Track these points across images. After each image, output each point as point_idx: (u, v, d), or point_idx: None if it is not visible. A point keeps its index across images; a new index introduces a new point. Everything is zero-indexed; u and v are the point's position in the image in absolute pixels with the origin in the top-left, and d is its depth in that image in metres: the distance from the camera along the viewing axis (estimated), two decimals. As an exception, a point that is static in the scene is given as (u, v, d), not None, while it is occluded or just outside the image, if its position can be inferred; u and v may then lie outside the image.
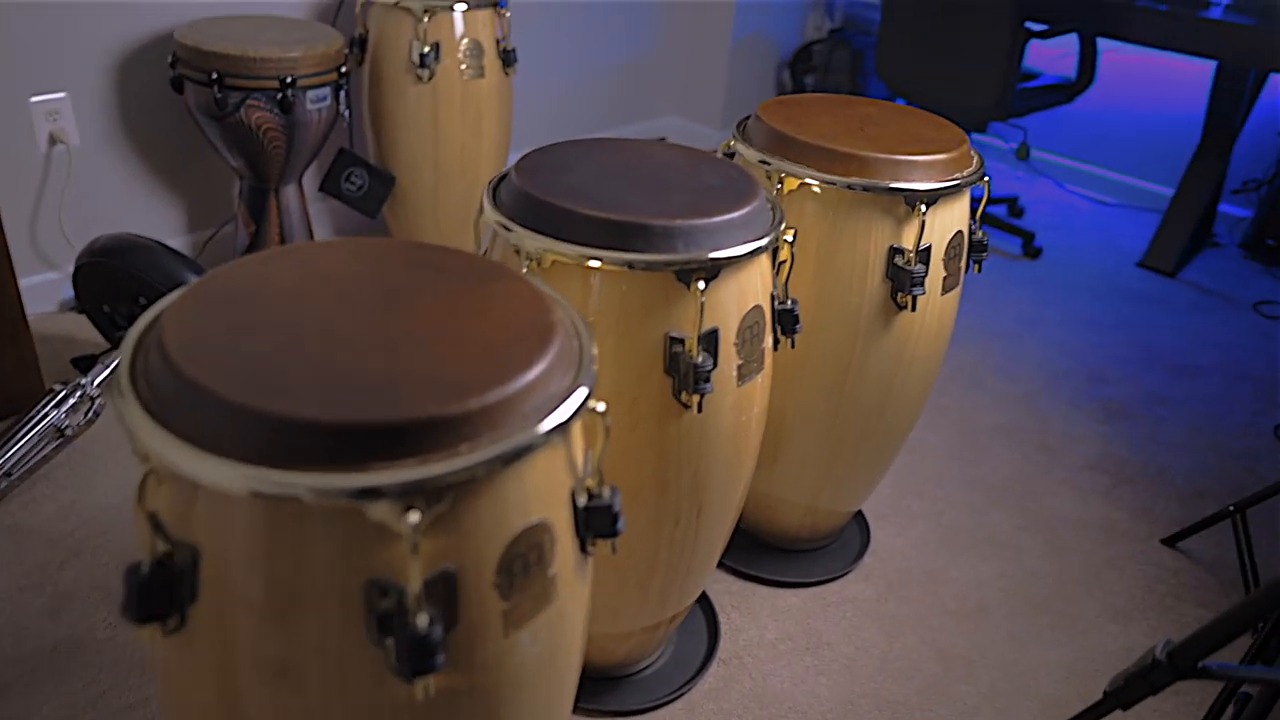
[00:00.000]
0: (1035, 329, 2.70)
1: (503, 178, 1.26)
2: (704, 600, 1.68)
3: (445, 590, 0.78)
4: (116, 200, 2.39)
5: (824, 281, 1.48)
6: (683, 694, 1.51)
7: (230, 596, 0.77)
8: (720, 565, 1.75)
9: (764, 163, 1.46)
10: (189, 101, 2.20)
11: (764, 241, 1.17)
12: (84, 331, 2.28)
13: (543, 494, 0.84)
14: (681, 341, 1.15)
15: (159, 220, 2.48)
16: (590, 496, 0.90)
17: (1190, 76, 3.37)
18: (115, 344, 2.12)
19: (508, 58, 2.51)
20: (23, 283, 2.28)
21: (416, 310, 0.88)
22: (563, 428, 0.81)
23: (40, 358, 2.15)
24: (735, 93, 3.70)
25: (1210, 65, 3.07)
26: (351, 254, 0.97)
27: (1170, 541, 1.91)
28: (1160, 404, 2.39)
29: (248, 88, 2.13)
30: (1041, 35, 2.90)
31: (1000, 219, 3.25)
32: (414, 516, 0.73)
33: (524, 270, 1.14)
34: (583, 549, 0.92)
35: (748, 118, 1.59)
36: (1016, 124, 3.85)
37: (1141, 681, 1.00)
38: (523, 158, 1.27)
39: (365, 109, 2.52)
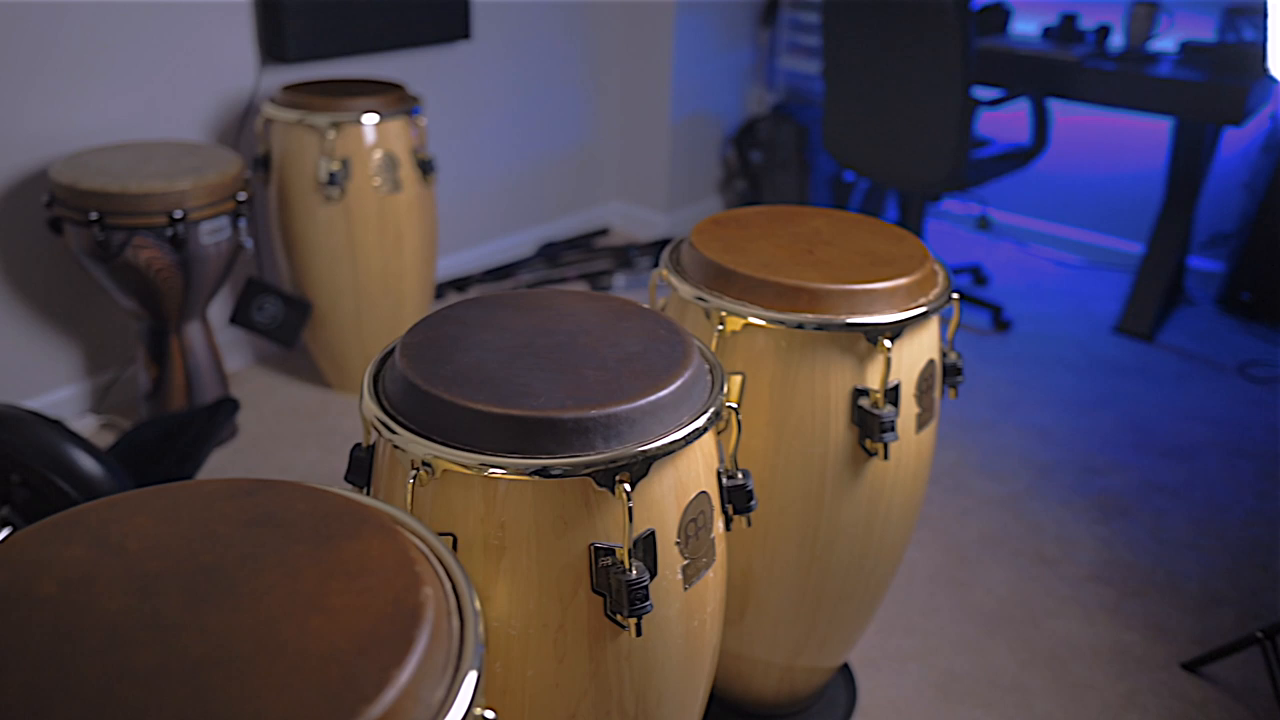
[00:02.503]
0: (1014, 414, 2.51)
1: (389, 354, 1.06)
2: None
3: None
4: (2, 347, 2.15)
5: (782, 429, 1.28)
6: None
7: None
8: (690, 746, 1.52)
9: (701, 299, 1.27)
10: (70, 243, 1.99)
11: (701, 422, 0.97)
12: (-35, 505, 2.03)
13: None
14: (611, 553, 0.94)
15: (50, 370, 2.25)
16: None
17: (1146, 133, 3.26)
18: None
19: (426, 167, 2.33)
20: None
21: (239, 604, 0.66)
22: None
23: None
24: (680, 173, 3.54)
25: (1160, 130, 2.96)
26: (167, 512, 0.76)
27: (1191, 666, 1.71)
28: (1158, 493, 2.21)
29: (133, 225, 1.92)
30: (992, 104, 2.77)
31: (965, 291, 3.09)
32: None
33: (412, 479, 0.93)
34: None
35: (681, 242, 1.40)
36: (974, 193, 3.72)
37: None
38: (410, 331, 1.07)
39: (276, 232, 2.32)
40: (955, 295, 1.35)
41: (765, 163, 3.56)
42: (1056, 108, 3.27)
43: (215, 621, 0.65)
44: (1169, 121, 2.97)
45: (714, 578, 1.07)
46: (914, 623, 1.80)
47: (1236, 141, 3.15)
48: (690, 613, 1.03)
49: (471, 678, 0.65)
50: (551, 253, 3.28)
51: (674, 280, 1.32)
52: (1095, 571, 1.95)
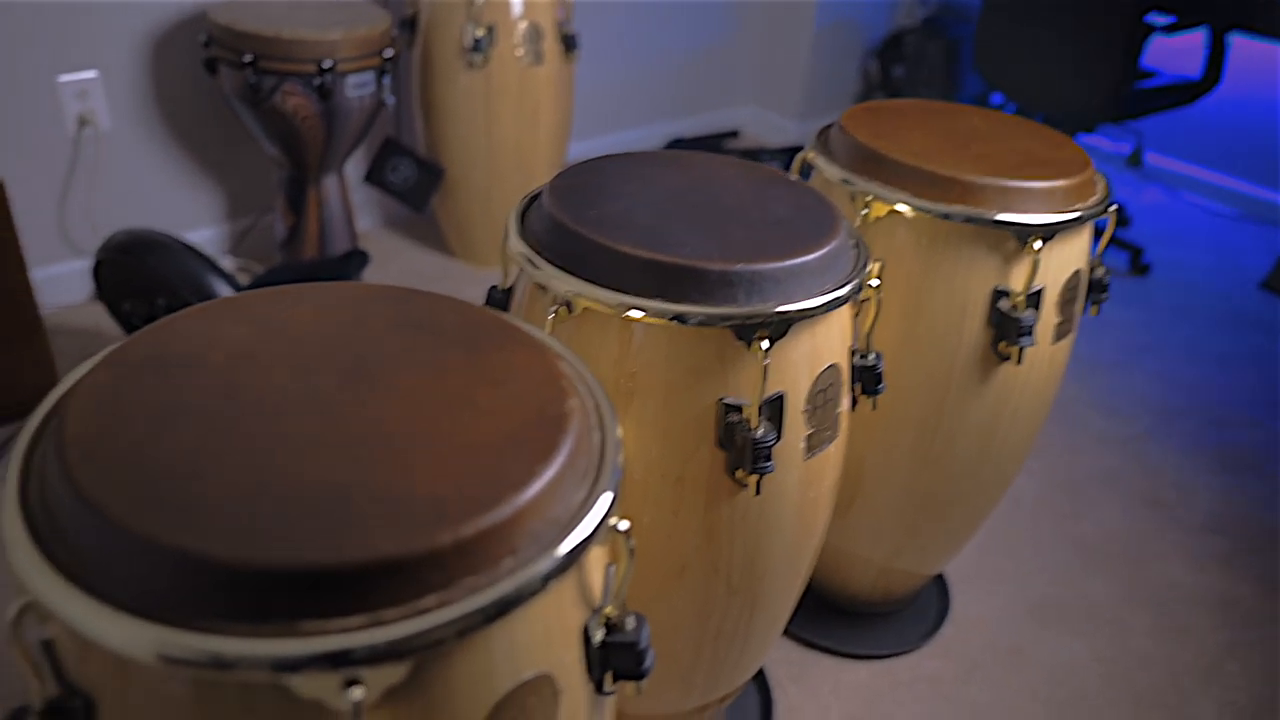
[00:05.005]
0: (1144, 359, 2.42)
1: (535, 197, 1.06)
2: (760, 672, 1.47)
3: (403, 775, 0.59)
4: (148, 188, 2.25)
5: (914, 325, 1.25)
6: (726, 793, 1.31)
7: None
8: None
9: (847, 182, 1.24)
10: (223, 85, 2.05)
11: (844, 291, 0.95)
12: (110, 326, 2.15)
13: (543, 642, 0.64)
14: (739, 410, 0.94)
15: (193, 210, 2.34)
16: (609, 630, 0.71)
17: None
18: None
19: (569, 43, 2.32)
20: (48, 272, 2.16)
21: (391, 391, 0.69)
22: (572, 558, 0.62)
23: (63, 353, 2.03)
24: (816, 83, 3.44)
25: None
26: (326, 306, 0.79)
27: (1303, 626, 1.65)
28: (1287, 451, 2.12)
29: (284, 71, 1.96)
30: (1167, 29, 2.59)
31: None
32: (357, 693, 0.54)
33: (551, 314, 0.95)
34: (599, 690, 0.73)
35: (829, 126, 1.36)
36: (1129, 127, 3.52)
37: None
38: (559, 175, 1.07)
39: (416, 95, 2.34)
40: (1114, 206, 1.29)
41: (908, 79, 3.43)
42: (1236, 42, 3.05)
43: (371, 404, 0.67)
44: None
45: (834, 454, 1.07)
46: (1015, 547, 1.78)
47: None
48: (808, 483, 1.03)
49: (608, 495, 0.66)
50: (679, 149, 3.24)
51: (820, 161, 1.29)
52: (1210, 522, 1.89)
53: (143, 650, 0.53)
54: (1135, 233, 3.07)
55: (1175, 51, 3.21)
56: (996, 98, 3.38)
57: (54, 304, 2.18)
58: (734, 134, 3.47)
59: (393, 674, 0.56)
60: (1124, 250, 2.86)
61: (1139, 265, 2.83)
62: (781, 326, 0.92)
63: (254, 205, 2.44)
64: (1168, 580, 1.74)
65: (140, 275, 1.80)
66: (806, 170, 1.34)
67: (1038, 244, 1.18)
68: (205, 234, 2.37)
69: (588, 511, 0.64)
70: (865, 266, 1.01)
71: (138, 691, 0.58)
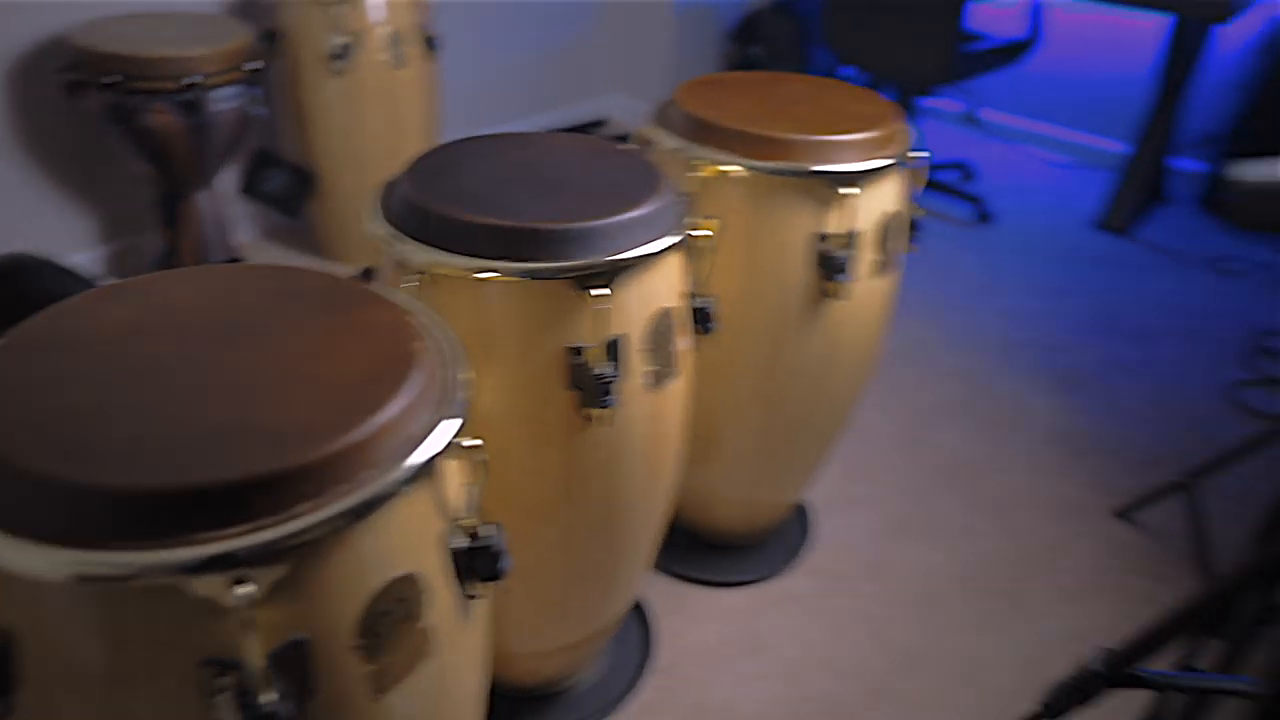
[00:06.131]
0: (987, 298, 2.64)
1: (394, 182, 1.18)
2: (639, 606, 1.61)
3: (297, 661, 0.70)
4: (21, 213, 2.27)
5: (751, 272, 1.40)
6: (616, 709, 1.44)
7: (57, 683, 0.69)
8: (656, 568, 1.69)
9: (679, 149, 1.38)
10: (90, 107, 2.09)
11: (665, 241, 1.09)
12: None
13: (407, 545, 0.76)
14: (582, 352, 1.07)
15: (70, 233, 2.36)
16: (471, 538, 0.83)
17: (1137, 32, 3.31)
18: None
19: (431, 44, 2.41)
20: (-74, 304, 2.16)
21: (263, 347, 0.80)
22: (425, 470, 0.74)
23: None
24: (680, 67, 3.59)
25: (1156, 21, 3.00)
26: (202, 283, 0.89)
27: (1122, 514, 1.86)
28: (1118, 371, 2.34)
29: (149, 90, 2.01)
30: (983, -5, 2.82)
31: (950, 185, 3.19)
32: (242, 589, 0.65)
33: (412, 283, 1.06)
34: (466, 596, 0.85)
35: (667, 102, 1.50)
36: (965, 88, 3.77)
37: (1077, 692, 0.94)
38: (415, 160, 1.18)
39: (287, 104, 2.41)
40: (923, 153, 1.46)
41: (765, 57, 3.62)
42: (1053, 3, 3.31)
43: (245, 358, 0.78)
44: (1162, 19, 3.01)
45: (677, 389, 1.21)
46: (871, 474, 1.96)
47: (1232, 43, 3.19)
48: (654, 417, 1.17)
49: (456, 419, 0.78)
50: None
51: (657, 133, 1.43)
52: (1045, 435, 2.10)
53: (61, 572, 0.63)
54: (979, 186, 3.31)
55: (1002, 19, 3.45)
56: (847, 70, 3.58)
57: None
58: (602, 123, 3.61)
59: (275, 572, 0.67)
60: (969, 202, 3.09)
61: (983, 215, 3.06)
62: (613, 274, 1.05)
63: (131, 225, 2.47)
64: (1008, 489, 1.93)
65: (17, 299, 1.84)
66: (647, 143, 1.48)
67: (849, 190, 1.34)
68: (84, 257, 2.40)
69: (433, 432, 0.76)
70: (689, 219, 1.15)
71: (53, 615, 0.68)
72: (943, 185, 3.18)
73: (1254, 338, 2.49)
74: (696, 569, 1.69)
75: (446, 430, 0.77)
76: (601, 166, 1.19)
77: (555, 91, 3.50)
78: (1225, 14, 2.63)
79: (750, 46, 3.68)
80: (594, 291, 1.04)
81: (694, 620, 1.60)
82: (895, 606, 1.65)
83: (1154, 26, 3.16)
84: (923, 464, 1.99)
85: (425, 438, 0.75)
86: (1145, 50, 3.28)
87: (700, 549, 1.73)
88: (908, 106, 3.11)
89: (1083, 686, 0.92)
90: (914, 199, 1.51)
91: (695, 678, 1.50)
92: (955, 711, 1.48)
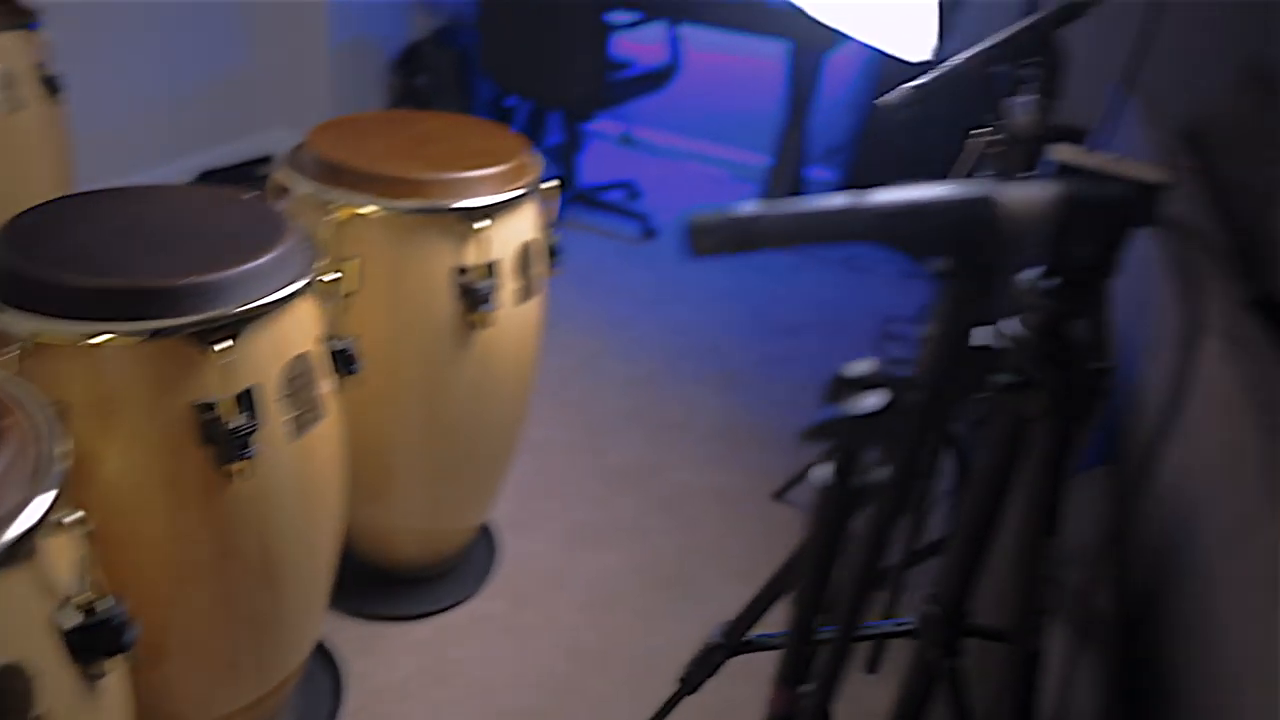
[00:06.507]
0: (655, 310, 2.82)
1: (-13, 248, 1.10)
2: (325, 653, 1.59)
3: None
4: None
5: (396, 309, 1.43)
6: (307, 762, 1.42)
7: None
8: (343, 610, 1.67)
9: (315, 194, 1.39)
10: None
11: (290, 289, 1.10)
12: None
13: (6, 631, 0.73)
14: (213, 407, 1.05)
15: None
16: (87, 614, 0.80)
17: (765, 68, 3.66)
18: None
19: (52, 85, 2.23)
20: None
21: None
22: (19, 550, 0.71)
23: None
24: (341, 100, 3.55)
25: (779, 56, 3.35)
26: None
27: (779, 496, 2.07)
28: (771, 365, 2.58)
29: None
30: (625, 26, 3.01)
31: (617, 204, 3.37)
32: None
33: (15, 355, 1.00)
34: (88, 675, 0.82)
35: (300, 145, 1.50)
36: (622, 112, 3.99)
37: (704, 665, 1.05)
38: (10, 221, 1.11)
39: (-126, 156, 2.15)
40: (553, 182, 1.55)
41: (429, 88, 3.65)
42: (701, 41, 3.59)
43: None
44: (784, 49, 3.35)
45: (326, 431, 1.21)
46: (552, 487, 2.04)
47: (846, 67, 3.60)
48: (303, 460, 1.17)
49: (49, 494, 0.76)
50: (212, 182, 3.21)
51: (290, 178, 1.43)
52: (711, 433, 2.28)
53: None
54: (644, 204, 3.52)
55: (650, 49, 3.69)
56: (511, 100, 3.69)
57: None
58: (267, 159, 3.49)
59: None
60: (635, 220, 3.28)
61: (649, 231, 3.26)
62: (236, 327, 1.05)
63: None
64: (679, 486, 2.09)
65: None
66: (284, 190, 1.46)
67: (483, 224, 1.41)
68: None
69: (24, 510, 0.73)
70: (318, 262, 1.16)
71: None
72: (610, 205, 3.35)
73: (881, 325, 2.84)
74: (385, 606, 1.69)
75: (37, 508, 0.74)
76: (221, 217, 1.18)
77: (216, 128, 3.34)
78: (830, 43, 2.98)
79: (415, 77, 3.70)
80: (218, 346, 1.03)
81: (385, 658, 1.61)
82: (579, 612, 1.74)
83: (778, 58, 3.51)
84: (601, 471, 2.11)
85: (12, 517, 0.72)
86: (776, 76, 3.63)
87: (387, 585, 1.73)
88: (572, 131, 3.26)
89: (707, 659, 1.03)
90: (550, 224, 1.60)
91: (386, 714, 1.51)
92: (641, 700, 1.58)
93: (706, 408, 2.38)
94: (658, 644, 1.69)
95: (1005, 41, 1.01)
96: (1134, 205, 0.61)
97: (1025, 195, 0.54)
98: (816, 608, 0.77)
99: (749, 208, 0.56)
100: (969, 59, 1.03)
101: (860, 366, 0.60)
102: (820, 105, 3.48)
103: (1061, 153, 0.64)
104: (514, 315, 1.52)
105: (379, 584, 1.73)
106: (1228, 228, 1.34)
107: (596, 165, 3.83)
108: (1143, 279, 1.40)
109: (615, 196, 3.51)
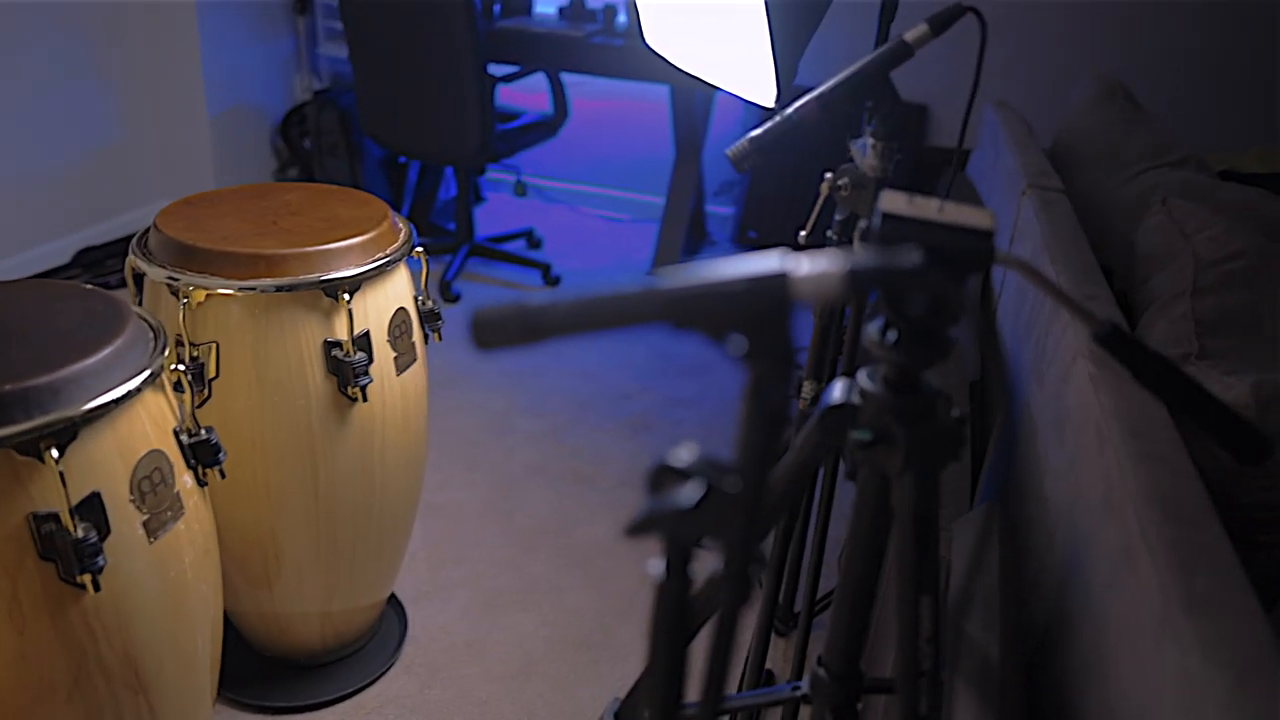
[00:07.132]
0: (562, 360, 2.78)
1: None
2: (224, 757, 1.50)
3: None
4: None
5: (265, 389, 1.37)
6: None
7: None
8: (242, 704, 1.59)
9: (167, 280, 1.32)
10: None
11: (129, 387, 1.03)
12: None
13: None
14: (53, 519, 0.98)
15: None
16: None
17: (652, 112, 3.68)
18: None
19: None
20: None
21: None
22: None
23: None
24: (225, 168, 3.46)
25: (662, 103, 3.37)
26: None
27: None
28: (679, 407, 2.56)
29: None
30: (507, 79, 2.99)
31: (517, 254, 3.33)
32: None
33: None
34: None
35: (149, 228, 1.43)
36: (513, 164, 3.96)
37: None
38: None
39: None
40: (419, 248, 1.51)
41: (316, 149, 3.58)
42: (591, 90, 3.59)
43: None
44: (666, 92, 3.37)
45: (187, 529, 1.14)
46: (464, 554, 1.98)
47: (735, 104, 3.63)
48: (163, 563, 1.10)
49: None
50: (92, 259, 3.10)
51: (142, 264, 1.36)
52: (622, 480, 2.24)
53: None
54: (545, 252, 3.49)
55: (538, 99, 3.68)
56: (402, 160, 3.64)
57: None
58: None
59: None
60: (535, 269, 3.25)
61: (550, 279, 3.23)
62: (69, 433, 0.98)
63: None
64: (592, 541, 2.04)
65: None
66: (139, 277, 1.39)
67: (347, 295, 1.35)
68: None
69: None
70: (163, 351, 1.09)
71: None
72: (510, 255, 3.31)
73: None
74: (286, 696, 1.60)
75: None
76: (54, 314, 1.11)
77: (97, 204, 3.23)
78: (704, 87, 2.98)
79: (302, 140, 3.63)
80: (52, 453, 0.96)
81: (284, 756, 1.52)
82: (494, 683, 1.67)
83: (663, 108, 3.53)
84: (513, 532, 2.05)
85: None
86: (664, 118, 3.66)
87: (291, 674, 1.64)
88: (466, 184, 3.22)
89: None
90: (424, 289, 1.55)
91: (288, 819, 1.42)
92: (559, 772, 1.52)
93: (616, 455, 2.34)
94: (574, 708, 1.63)
95: (839, 85, 1.00)
96: (961, 253, 0.59)
97: (815, 270, 0.52)
98: (678, 693, 0.73)
99: (537, 299, 0.53)
100: (805, 105, 1.02)
101: (681, 455, 0.56)
102: (712, 143, 3.51)
103: (889, 202, 0.62)
104: (395, 385, 1.47)
105: (279, 673, 1.64)
106: (1093, 244, 1.35)
107: (496, 215, 3.79)
108: (1024, 300, 1.41)
109: (515, 246, 3.48)
